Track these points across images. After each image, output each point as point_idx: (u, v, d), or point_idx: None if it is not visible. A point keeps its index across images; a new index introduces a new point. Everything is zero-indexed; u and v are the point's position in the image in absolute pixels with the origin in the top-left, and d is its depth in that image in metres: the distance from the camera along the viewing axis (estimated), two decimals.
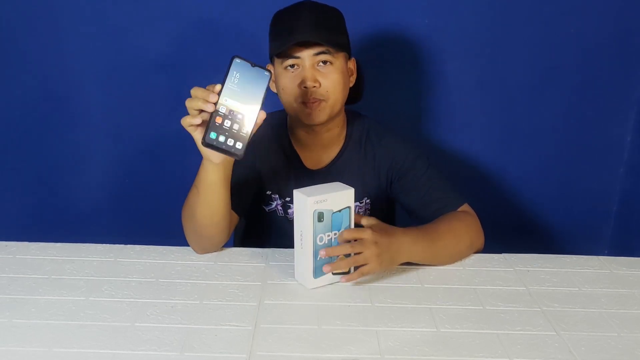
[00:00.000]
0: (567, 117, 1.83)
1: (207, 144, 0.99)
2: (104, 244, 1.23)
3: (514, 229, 1.93)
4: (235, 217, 1.25)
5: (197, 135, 1.03)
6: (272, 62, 1.29)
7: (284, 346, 0.92)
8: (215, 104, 0.98)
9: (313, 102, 1.23)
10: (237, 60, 0.98)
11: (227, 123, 0.99)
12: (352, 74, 1.32)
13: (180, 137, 1.79)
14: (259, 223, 1.40)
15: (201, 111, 1.00)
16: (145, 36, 1.72)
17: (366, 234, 1.07)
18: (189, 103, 1.01)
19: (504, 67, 1.78)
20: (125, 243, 1.24)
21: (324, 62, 1.23)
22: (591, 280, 1.16)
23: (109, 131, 1.81)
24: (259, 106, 1.00)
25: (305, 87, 1.22)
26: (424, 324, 0.99)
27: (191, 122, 1.01)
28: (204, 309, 1.01)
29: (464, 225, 1.24)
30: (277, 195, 1.34)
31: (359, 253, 1.06)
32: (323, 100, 1.23)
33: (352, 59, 1.32)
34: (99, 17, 1.70)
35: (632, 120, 1.83)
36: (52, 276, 1.11)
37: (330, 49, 1.22)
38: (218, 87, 0.99)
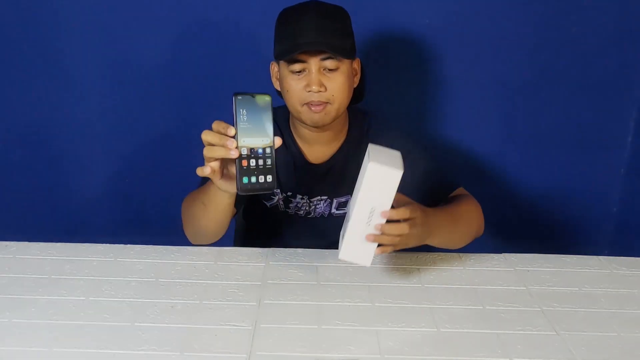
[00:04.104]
0: (567, 117, 1.83)
1: (245, 190, 0.97)
2: (104, 244, 1.23)
3: (514, 228, 1.93)
4: (234, 211, 1.25)
5: (216, 178, 1.01)
6: (276, 61, 1.28)
7: (284, 346, 0.92)
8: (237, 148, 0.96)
9: (318, 105, 1.22)
10: (239, 98, 0.95)
11: (252, 162, 0.97)
12: (357, 74, 1.31)
13: (180, 137, 1.82)
14: (259, 220, 1.41)
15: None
16: (146, 36, 1.72)
17: (417, 214, 1.03)
18: (208, 153, 0.98)
19: (504, 67, 1.78)
20: (125, 243, 1.24)
21: (330, 66, 1.21)
22: (591, 280, 1.16)
23: (109, 131, 1.81)
24: (272, 133, 0.98)
25: (310, 91, 1.21)
26: (424, 324, 0.99)
27: (207, 173, 1.00)
28: (204, 309, 1.01)
29: (474, 208, 1.26)
30: (278, 190, 1.35)
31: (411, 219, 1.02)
32: (328, 103, 1.23)
33: (357, 59, 1.31)
34: (99, 17, 1.70)
35: (632, 121, 1.83)
36: (52, 276, 1.11)
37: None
38: (232, 130, 0.96)
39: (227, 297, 1.05)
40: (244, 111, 0.95)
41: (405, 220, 1.02)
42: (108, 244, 1.23)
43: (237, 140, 0.95)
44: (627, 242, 1.89)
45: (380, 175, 0.96)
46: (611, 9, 1.73)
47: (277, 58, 1.25)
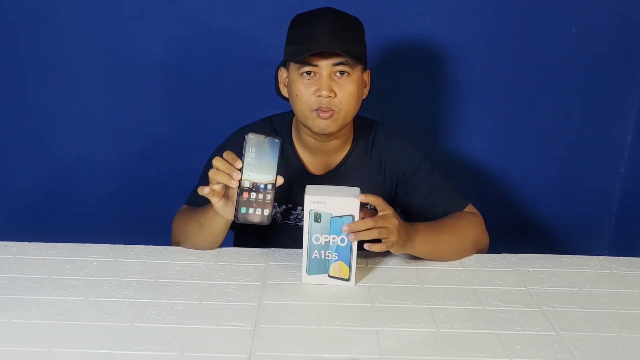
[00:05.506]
0: (567, 117, 1.83)
1: (241, 219, 1.06)
2: (104, 244, 1.23)
3: (514, 229, 1.93)
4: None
5: (216, 200, 1.10)
6: (285, 65, 1.26)
7: (284, 346, 0.92)
8: (240, 180, 1.05)
9: (326, 112, 1.21)
10: (250, 136, 1.04)
11: (253, 195, 1.06)
12: (366, 86, 1.29)
13: (180, 137, 1.82)
14: (258, 233, 1.39)
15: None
16: (146, 37, 1.72)
17: (389, 209, 1.10)
18: (213, 175, 1.07)
19: (504, 68, 1.78)
20: (125, 243, 1.24)
21: (341, 73, 1.20)
22: (591, 280, 1.16)
23: (109, 131, 1.81)
24: (275, 172, 1.06)
25: (320, 96, 1.20)
26: (424, 324, 0.99)
27: (206, 192, 1.08)
28: (204, 309, 1.01)
29: (468, 223, 1.26)
30: (276, 203, 1.33)
31: (381, 228, 1.08)
32: (336, 111, 1.21)
33: (367, 70, 1.29)
34: (100, 18, 1.70)
35: (632, 120, 1.83)
36: (52, 276, 1.11)
37: (349, 60, 1.20)
38: (239, 163, 1.05)
39: (227, 297, 1.05)
40: (253, 149, 1.05)
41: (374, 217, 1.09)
42: (108, 244, 1.23)
43: (242, 173, 1.04)
44: (627, 242, 1.89)
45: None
46: (611, 9, 1.73)
47: (289, 59, 1.23)
